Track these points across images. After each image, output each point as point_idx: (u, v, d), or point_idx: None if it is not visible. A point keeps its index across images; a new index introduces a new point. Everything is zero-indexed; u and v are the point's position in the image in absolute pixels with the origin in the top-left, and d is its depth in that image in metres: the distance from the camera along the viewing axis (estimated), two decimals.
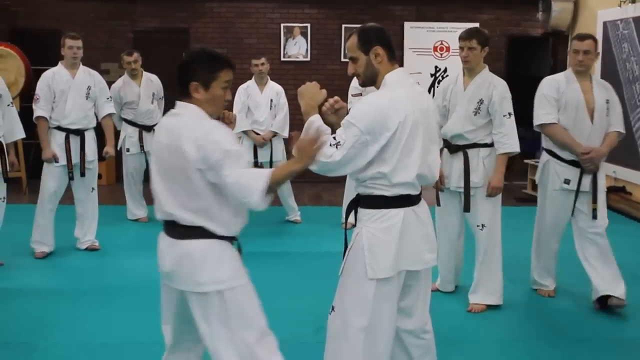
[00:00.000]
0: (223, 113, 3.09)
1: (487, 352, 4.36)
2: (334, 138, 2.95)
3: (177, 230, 2.91)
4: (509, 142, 4.90)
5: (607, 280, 4.98)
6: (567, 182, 5.06)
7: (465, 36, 4.91)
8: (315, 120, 3.04)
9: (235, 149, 2.78)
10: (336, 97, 3.18)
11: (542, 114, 5.06)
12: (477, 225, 5.02)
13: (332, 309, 3.13)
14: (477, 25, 10.32)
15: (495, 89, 4.88)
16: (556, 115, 4.99)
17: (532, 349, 4.43)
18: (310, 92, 3.12)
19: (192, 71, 2.92)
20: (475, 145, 4.95)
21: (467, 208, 4.98)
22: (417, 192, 3.10)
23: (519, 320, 4.91)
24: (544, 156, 5.31)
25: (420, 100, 3.09)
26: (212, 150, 2.75)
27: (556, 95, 4.97)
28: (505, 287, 5.26)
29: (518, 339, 4.59)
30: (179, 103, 2.97)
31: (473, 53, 4.88)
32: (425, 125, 3.06)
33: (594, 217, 5.00)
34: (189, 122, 2.85)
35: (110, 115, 6.66)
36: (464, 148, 4.94)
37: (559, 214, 5.19)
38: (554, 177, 5.16)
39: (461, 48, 4.94)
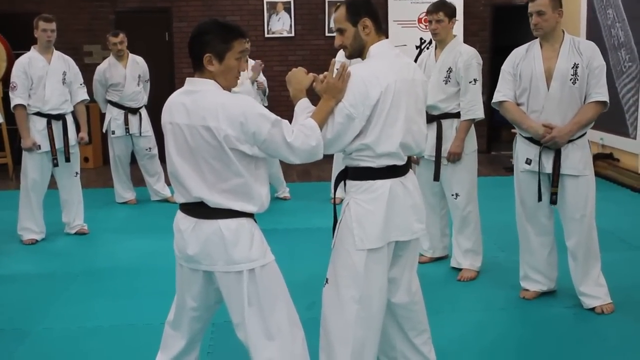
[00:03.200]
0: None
1: (477, 322, 4.39)
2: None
3: (204, 210, 2.85)
4: (472, 108, 4.96)
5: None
6: (528, 162, 4.48)
7: (432, 9, 5.01)
8: (303, 103, 3.03)
9: (275, 117, 2.78)
10: (323, 74, 3.14)
11: (496, 93, 4.59)
12: (452, 195, 5.10)
13: (326, 281, 3.15)
14: None
15: (461, 56, 4.97)
16: (508, 92, 4.50)
17: (522, 316, 4.46)
18: (297, 77, 3.10)
19: (205, 43, 2.85)
20: (447, 115, 5.01)
21: (436, 177, 5.04)
22: (403, 163, 3.11)
23: (508, 289, 4.92)
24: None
25: (404, 71, 3.08)
26: (259, 124, 2.73)
27: (511, 69, 4.51)
28: (494, 255, 5.32)
29: (507, 308, 4.61)
30: (193, 80, 2.91)
31: (441, 25, 4.99)
32: (409, 95, 3.06)
33: (552, 201, 4.42)
34: (215, 100, 2.77)
35: (83, 101, 6.56)
36: (438, 118, 5.00)
37: (524, 198, 4.59)
38: (518, 156, 4.60)
39: (429, 22, 5.04)
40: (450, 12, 5.02)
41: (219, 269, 2.86)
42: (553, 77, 4.32)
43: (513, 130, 11.02)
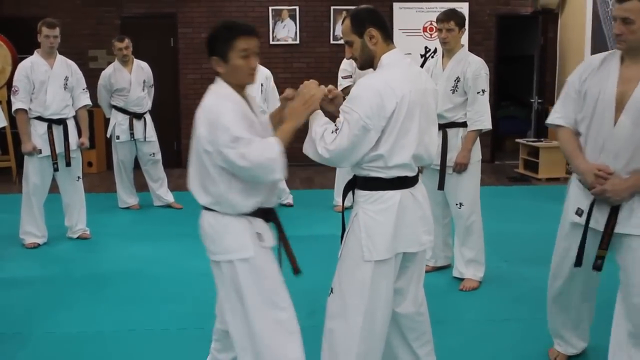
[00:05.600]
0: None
1: (479, 332, 4.37)
2: (335, 126, 2.94)
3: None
4: (480, 119, 4.95)
5: None
6: (579, 212, 3.44)
7: (443, 18, 5.00)
8: (316, 117, 3.03)
9: (244, 136, 2.78)
10: (330, 86, 3.16)
11: (553, 111, 3.58)
12: (456, 204, 5.08)
13: (331, 290, 3.14)
14: (466, 5, 10.35)
15: (470, 66, 4.95)
16: (568, 114, 3.44)
17: (525, 329, 4.43)
18: (309, 89, 3.10)
19: (211, 47, 2.93)
20: (453, 125, 5.01)
21: (441, 186, 5.03)
22: (414, 174, 3.09)
23: (511, 300, 4.90)
24: None
25: (417, 80, 3.07)
26: (220, 132, 2.79)
27: (577, 84, 3.40)
28: (497, 266, 5.30)
29: (510, 319, 4.59)
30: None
31: (451, 34, 4.97)
32: (423, 105, 3.05)
33: (594, 267, 3.35)
34: (207, 102, 2.90)
35: (85, 106, 6.56)
36: (444, 127, 4.98)
37: (563, 254, 3.63)
38: (569, 202, 3.57)
39: (439, 30, 5.03)
40: (461, 22, 5.01)
41: (209, 257, 3.04)
42: (625, 107, 3.18)
43: (517, 140, 11.02)
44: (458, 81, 4.96)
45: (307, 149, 3.02)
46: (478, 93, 4.93)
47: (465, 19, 5.13)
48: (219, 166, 2.87)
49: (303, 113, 2.96)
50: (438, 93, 4.84)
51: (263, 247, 2.99)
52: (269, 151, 2.79)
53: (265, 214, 3.05)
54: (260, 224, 3.02)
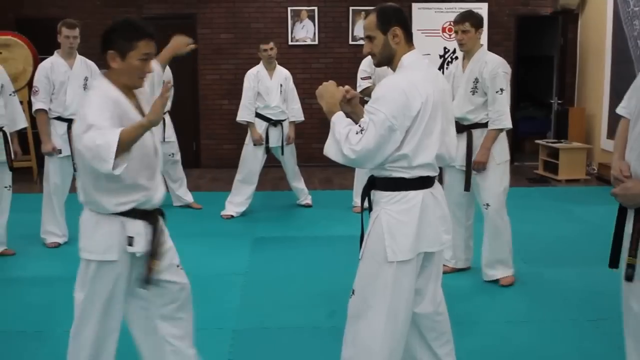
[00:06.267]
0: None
1: (498, 334, 4.35)
2: (359, 126, 2.93)
3: None
4: (500, 118, 4.94)
5: None
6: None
7: (458, 20, 4.99)
8: (339, 118, 3.03)
9: (99, 123, 2.74)
10: (347, 87, 3.16)
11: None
12: (483, 205, 5.08)
13: (353, 292, 3.12)
14: (485, 5, 10.30)
15: (487, 65, 4.94)
16: (630, 104, 3.12)
17: (544, 331, 4.41)
18: (329, 91, 3.09)
19: (110, 40, 2.90)
20: (477, 125, 5.01)
21: (467, 187, 5.04)
22: (436, 174, 3.10)
23: (530, 302, 4.89)
24: None
25: (436, 81, 3.08)
26: (79, 122, 2.80)
27: None
28: (516, 267, 5.27)
29: (529, 321, 4.57)
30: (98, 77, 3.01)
31: (467, 36, 4.96)
32: (444, 105, 3.06)
33: (626, 277, 2.96)
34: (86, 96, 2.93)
35: None
36: (468, 128, 4.98)
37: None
38: None
39: (455, 32, 5.02)
40: (477, 22, 4.99)
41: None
42: None
43: (537, 141, 10.96)
44: (477, 82, 4.95)
45: (329, 151, 3.01)
46: (497, 92, 4.91)
47: (482, 20, 5.10)
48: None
49: (160, 111, 2.80)
50: (459, 95, 4.87)
51: (130, 252, 2.99)
52: (101, 138, 2.69)
53: (144, 216, 3.01)
54: (136, 227, 2.98)
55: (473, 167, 4.98)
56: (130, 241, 2.96)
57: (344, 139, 2.93)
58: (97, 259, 2.98)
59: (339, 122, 3.00)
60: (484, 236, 5.19)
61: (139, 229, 2.99)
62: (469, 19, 4.96)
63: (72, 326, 3.14)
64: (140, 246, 2.99)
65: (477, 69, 4.96)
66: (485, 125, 4.99)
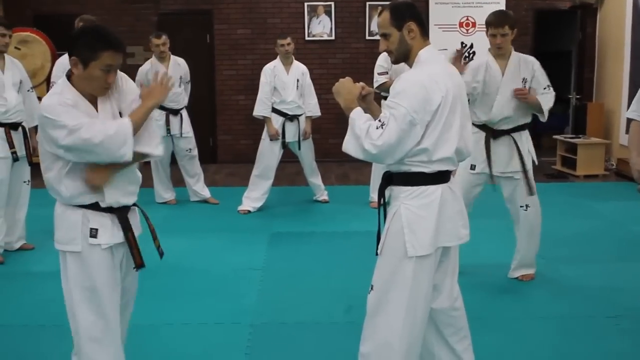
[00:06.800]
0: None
1: (517, 330, 4.33)
2: (379, 121, 2.92)
3: None
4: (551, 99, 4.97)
5: None
6: None
7: (497, 23, 4.78)
8: (358, 114, 3.02)
9: (72, 124, 2.78)
10: (362, 83, 3.15)
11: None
12: (521, 206, 5.00)
13: (371, 287, 3.12)
14: (503, 0, 10.24)
15: (534, 64, 4.93)
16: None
17: (563, 326, 4.39)
18: (346, 87, 3.09)
19: (75, 45, 2.89)
20: (518, 128, 4.95)
21: (531, 191, 4.95)
22: (455, 168, 3.10)
23: (549, 298, 4.86)
24: None
25: (454, 75, 3.08)
26: (53, 129, 2.81)
27: None
28: (536, 263, 5.24)
29: (548, 317, 4.54)
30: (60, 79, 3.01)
31: (506, 39, 4.81)
32: (461, 100, 3.06)
33: None
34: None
35: None
36: (509, 132, 4.91)
37: None
38: None
39: (493, 35, 4.81)
40: (514, 23, 4.83)
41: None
42: None
43: (555, 136, 10.89)
44: (525, 82, 4.88)
45: (349, 146, 2.99)
46: (545, 88, 4.94)
47: (516, 20, 4.95)
48: (49, 153, 2.92)
49: (162, 92, 3.01)
50: (501, 98, 4.79)
51: (95, 244, 3.00)
52: (111, 128, 2.82)
53: (110, 210, 3.03)
54: (100, 219, 3.00)
55: (523, 95, 4.86)
56: (93, 233, 2.99)
57: (364, 134, 2.91)
58: (66, 250, 3.06)
59: (359, 117, 2.99)
60: (520, 238, 5.12)
61: (104, 221, 3.01)
62: (507, 20, 4.79)
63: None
64: (105, 238, 3.01)
65: (524, 69, 4.88)
66: (523, 126, 4.95)
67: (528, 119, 5.00)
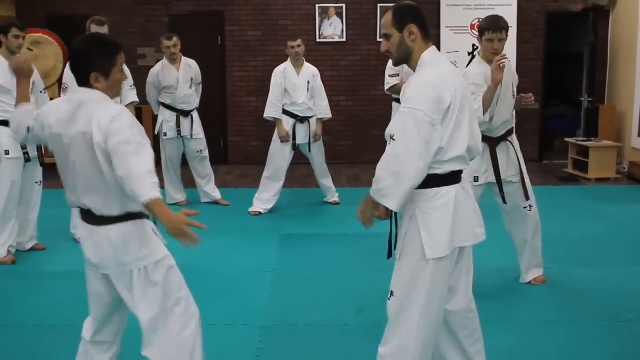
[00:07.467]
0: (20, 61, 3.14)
1: (528, 334, 4.31)
2: (392, 137, 2.92)
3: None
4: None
5: None
6: None
7: (497, 28, 4.74)
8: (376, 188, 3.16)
9: (138, 140, 2.85)
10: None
11: None
12: (525, 207, 4.98)
13: (391, 294, 3.11)
14: (515, 2, 10.23)
15: (511, 67, 4.90)
16: None
17: (574, 331, 4.37)
18: (361, 211, 3.36)
19: (90, 62, 2.90)
20: (511, 131, 4.94)
21: (527, 196, 4.94)
22: (467, 167, 3.10)
23: (561, 302, 4.84)
24: None
25: (459, 75, 3.12)
26: (115, 134, 2.81)
27: None
28: (546, 267, 5.23)
29: (559, 321, 4.52)
30: (81, 89, 2.97)
31: (503, 44, 4.78)
32: (468, 99, 3.08)
33: None
34: (97, 107, 2.88)
35: (132, 103, 6.66)
36: (505, 138, 4.89)
37: None
38: None
39: (489, 40, 4.74)
40: (509, 28, 4.85)
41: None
42: None
43: (566, 139, 10.85)
44: (513, 85, 4.92)
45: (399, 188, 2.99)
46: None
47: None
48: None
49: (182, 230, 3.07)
50: (502, 102, 4.78)
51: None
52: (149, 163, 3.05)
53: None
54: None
55: (531, 101, 4.95)
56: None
57: (396, 166, 2.94)
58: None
59: (376, 181, 3.11)
60: (526, 238, 5.09)
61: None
62: (506, 26, 4.78)
63: None
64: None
65: (510, 73, 4.87)
66: (511, 131, 4.95)
67: (514, 121, 5.01)
